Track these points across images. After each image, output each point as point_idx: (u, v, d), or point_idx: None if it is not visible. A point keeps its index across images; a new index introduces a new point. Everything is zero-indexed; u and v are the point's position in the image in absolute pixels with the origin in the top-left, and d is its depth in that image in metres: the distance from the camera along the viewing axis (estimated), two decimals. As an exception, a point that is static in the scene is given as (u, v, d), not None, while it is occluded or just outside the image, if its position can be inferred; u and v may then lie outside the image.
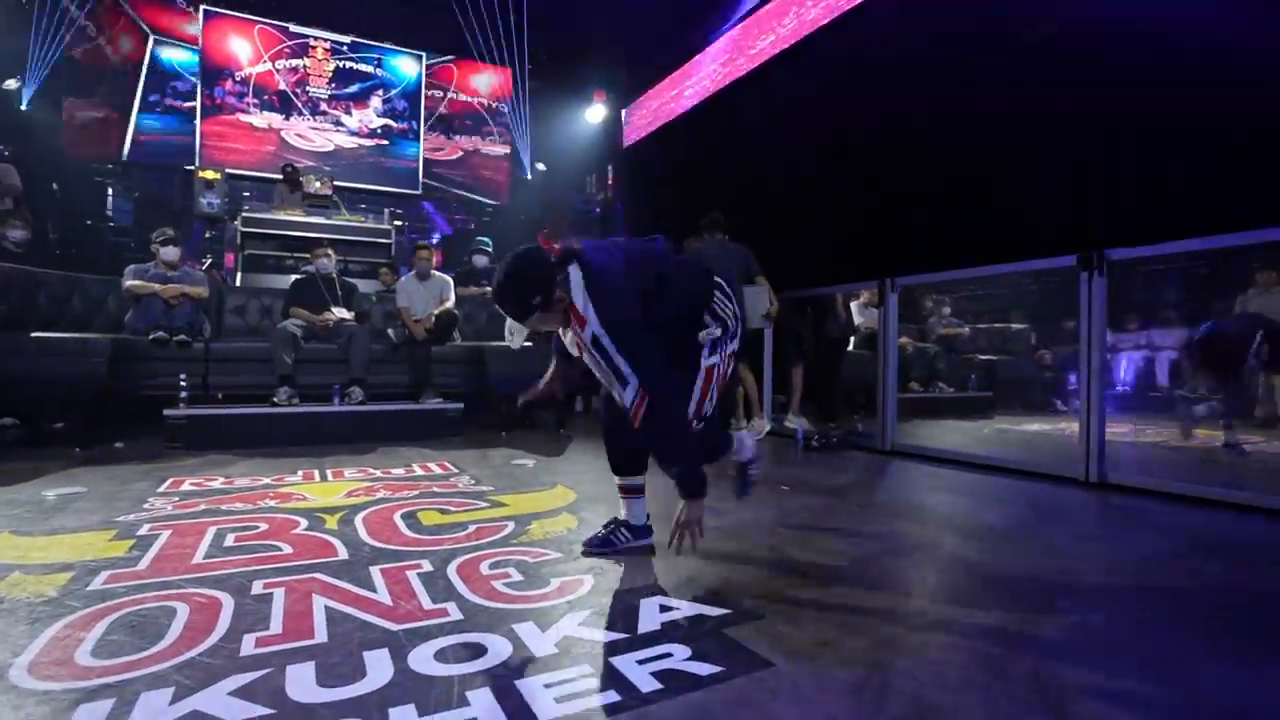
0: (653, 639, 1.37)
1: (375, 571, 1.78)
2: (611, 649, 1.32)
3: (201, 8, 8.08)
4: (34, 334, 3.84)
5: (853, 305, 5.77)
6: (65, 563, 1.87)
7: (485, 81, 9.43)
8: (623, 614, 1.50)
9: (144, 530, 2.19)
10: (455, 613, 1.50)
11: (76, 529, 2.23)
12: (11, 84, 6.82)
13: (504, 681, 1.18)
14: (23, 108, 6.90)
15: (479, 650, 1.31)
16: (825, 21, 5.17)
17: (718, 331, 1.84)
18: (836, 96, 5.04)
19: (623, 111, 8.15)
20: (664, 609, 1.52)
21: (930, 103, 4.22)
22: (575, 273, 1.73)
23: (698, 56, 6.78)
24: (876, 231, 4.38)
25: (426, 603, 1.57)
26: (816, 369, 5.09)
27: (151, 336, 4.19)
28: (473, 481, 3.08)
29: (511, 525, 2.29)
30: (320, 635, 1.39)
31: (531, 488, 2.96)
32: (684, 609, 1.52)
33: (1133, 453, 3.98)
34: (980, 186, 3.85)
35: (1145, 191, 3.12)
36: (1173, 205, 3.00)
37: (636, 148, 8.05)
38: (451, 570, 1.80)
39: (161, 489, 2.82)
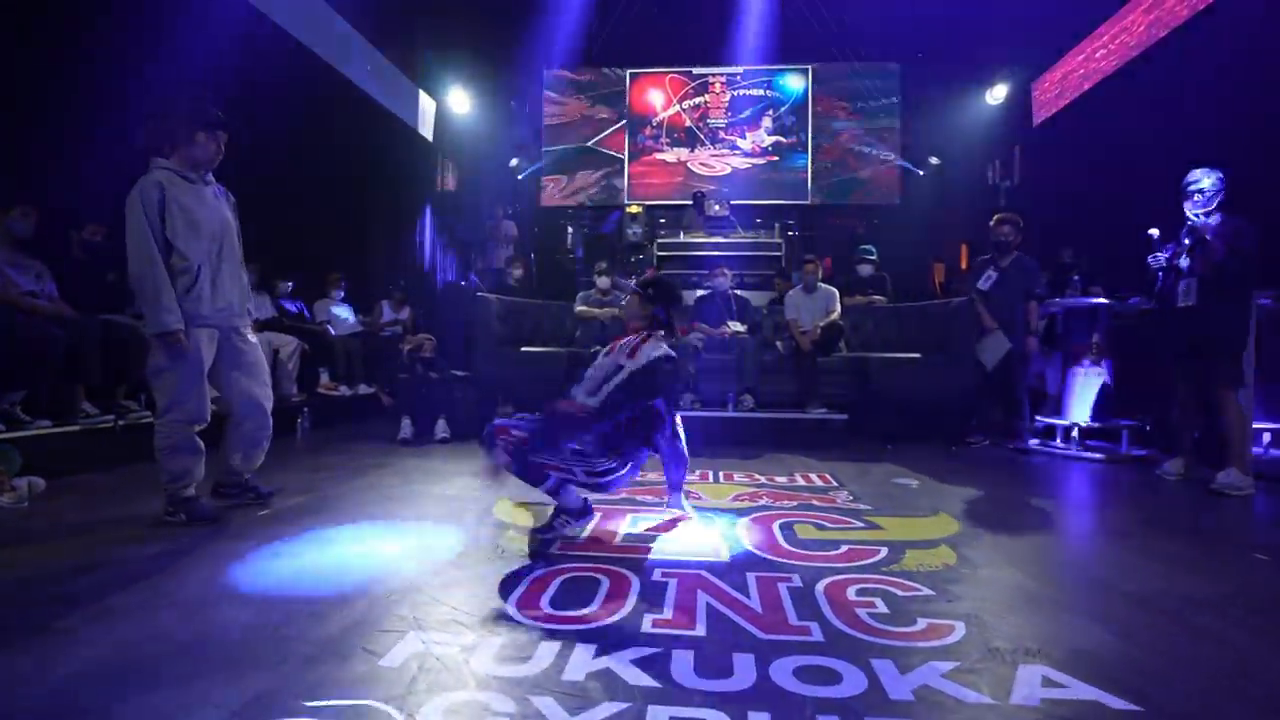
0: (1026, 715, 1.23)
1: (751, 578, 1.97)
2: (975, 713, 1.24)
3: (628, 72, 9.74)
4: (521, 348, 5.23)
5: None
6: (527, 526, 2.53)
7: (870, 77, 9.22)
8: (995, 676, 1.37)
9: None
10: (817, 633, 1.58)
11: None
12: (514, 162, 9.41)
13: (855, 718, 1.22)
14: (519, 178, 9.41)
15: (835, 677, 1.37)
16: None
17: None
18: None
19: (1031, 86, 7.07)
20: (1048, 683, 1.34)
21: None
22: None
23: (1122, 8, 5.47)
24: None
25: (792, 618, 1.68)
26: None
27: (592, 350, 5.27)
28: (850, 498, 3.10)
29: (884, 551, 2.26)
30: (700, 628, 1.62)
31: (911, 512, 2.85)
32: (1076, 689, 1.31)
33: None
34: None
35: None
36: None
37: (1046, 126, 6.88)
38: (819, 589, 1.88)
39: (598, 476, 3.55)
